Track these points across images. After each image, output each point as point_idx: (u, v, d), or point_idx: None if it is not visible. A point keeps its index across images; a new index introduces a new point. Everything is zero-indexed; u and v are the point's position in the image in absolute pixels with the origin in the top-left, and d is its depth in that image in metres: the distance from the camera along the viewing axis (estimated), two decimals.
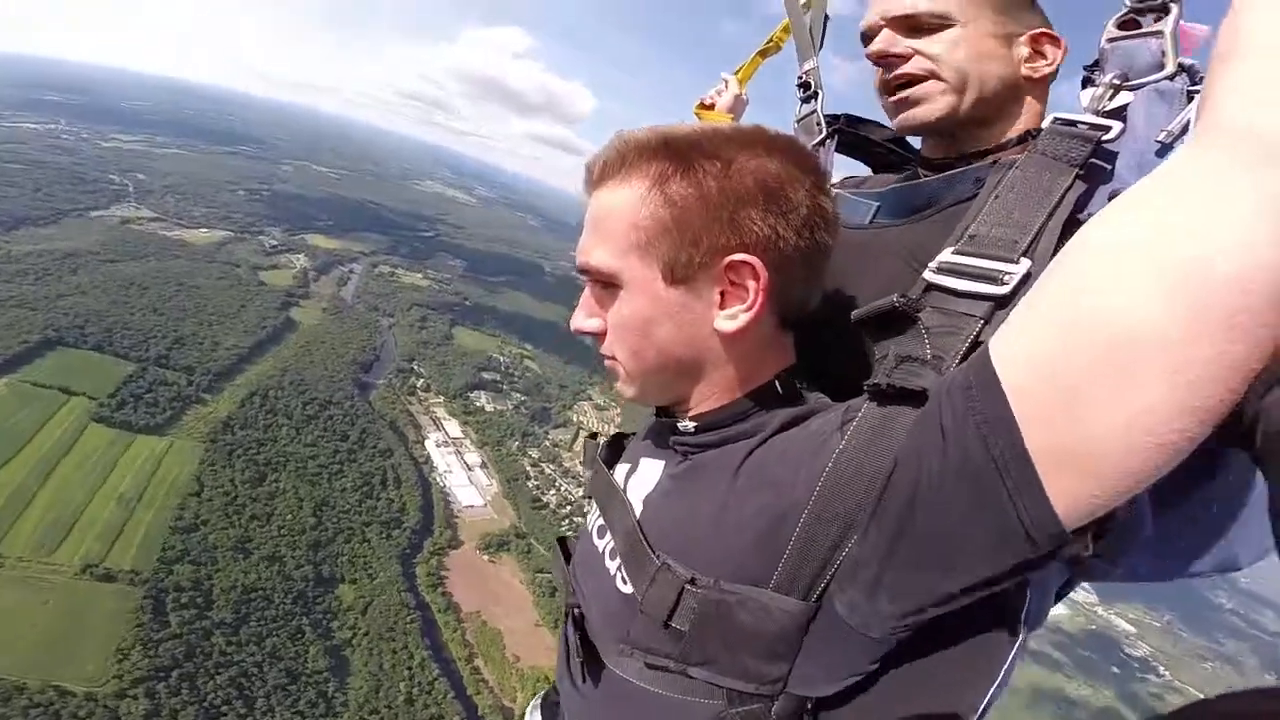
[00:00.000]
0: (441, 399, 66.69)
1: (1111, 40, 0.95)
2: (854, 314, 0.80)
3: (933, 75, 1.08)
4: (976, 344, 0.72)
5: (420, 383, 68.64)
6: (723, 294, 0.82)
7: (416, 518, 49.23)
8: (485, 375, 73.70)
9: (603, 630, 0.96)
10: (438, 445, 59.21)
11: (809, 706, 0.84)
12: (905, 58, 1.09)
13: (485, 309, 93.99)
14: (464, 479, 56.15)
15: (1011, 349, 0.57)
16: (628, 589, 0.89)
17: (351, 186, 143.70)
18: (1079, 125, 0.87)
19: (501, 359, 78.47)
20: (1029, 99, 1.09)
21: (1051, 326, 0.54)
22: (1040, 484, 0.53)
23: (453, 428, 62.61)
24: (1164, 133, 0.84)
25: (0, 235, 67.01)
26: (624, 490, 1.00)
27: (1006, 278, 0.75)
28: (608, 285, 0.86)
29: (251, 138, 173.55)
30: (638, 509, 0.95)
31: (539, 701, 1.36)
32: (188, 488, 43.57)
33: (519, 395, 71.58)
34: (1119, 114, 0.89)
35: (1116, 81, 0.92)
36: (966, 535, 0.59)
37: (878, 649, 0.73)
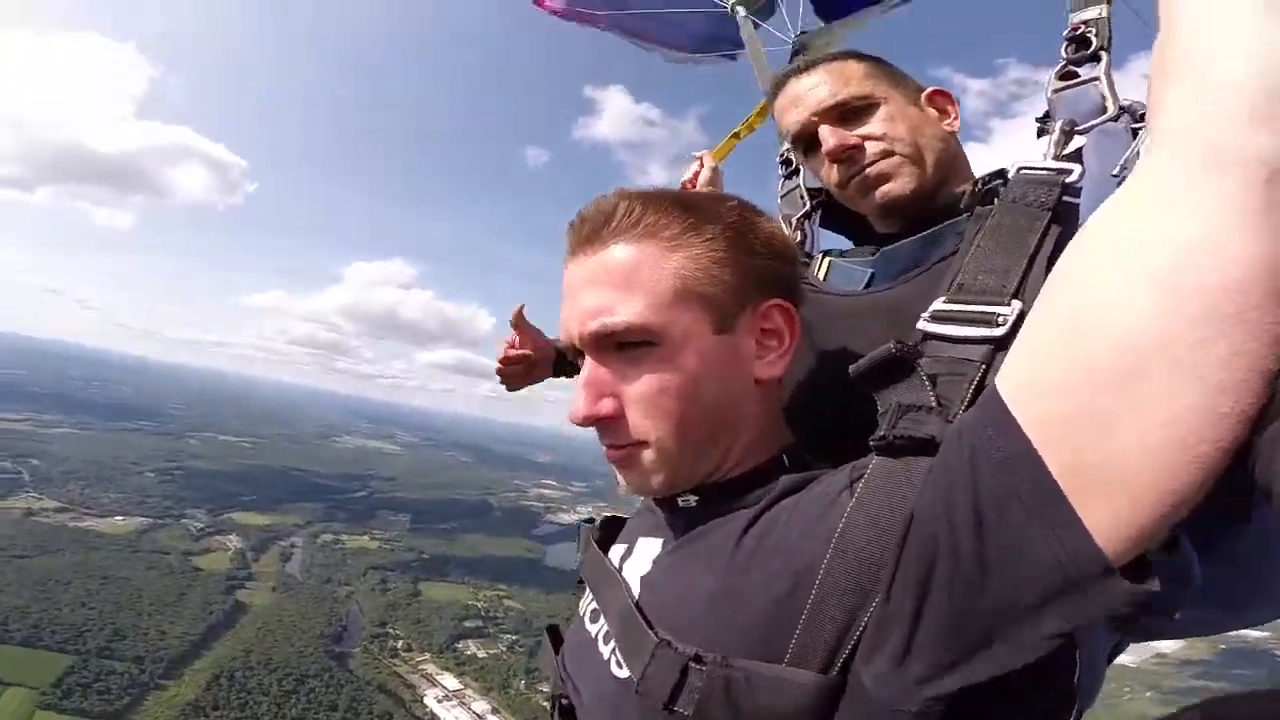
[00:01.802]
0: (428, 655, 60.86)
1: (1056, 91, 1.02)
2: (852, 368, 0.77)
3: (889, 154, 1.14)
4: (981, 387, 0.70)
5: (400, 644, 61.96)
6: (758, 342, 0.82)
7: None
8: (468, 624, 68.04)
9: (595, 712, 0.87)
10: (439, 701, 54.10)
11: None
12: (860, 147, 1.15)
13: (445, 559, 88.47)
14: None
15: (1019, 381, 0.54)
16: (623, 673, 0.79)
17: (268, 454, 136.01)
18: (1042, 171, 0.92)
19: (479, 604, 73.40)
20: (958, 153, 1.19)
21: (1055, 351, 0.51)
22: (1074, 513, 0.48)
23: (449, 681, 57.30)
24: (1118, 167, 0.87)
25: None
26: (620, 571, 0.93)
27: (1001, 319, 0.75)
28: (634, 348, 0.77)
29: (147, 408, 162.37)
30: (635, 590, 0.88)
31: None
32: None
33: (509, 635, 66.57)
34: (1076, 157, 0.95)
35: (1067, 128, 0.98)
36: (1000, 586, 0.51)
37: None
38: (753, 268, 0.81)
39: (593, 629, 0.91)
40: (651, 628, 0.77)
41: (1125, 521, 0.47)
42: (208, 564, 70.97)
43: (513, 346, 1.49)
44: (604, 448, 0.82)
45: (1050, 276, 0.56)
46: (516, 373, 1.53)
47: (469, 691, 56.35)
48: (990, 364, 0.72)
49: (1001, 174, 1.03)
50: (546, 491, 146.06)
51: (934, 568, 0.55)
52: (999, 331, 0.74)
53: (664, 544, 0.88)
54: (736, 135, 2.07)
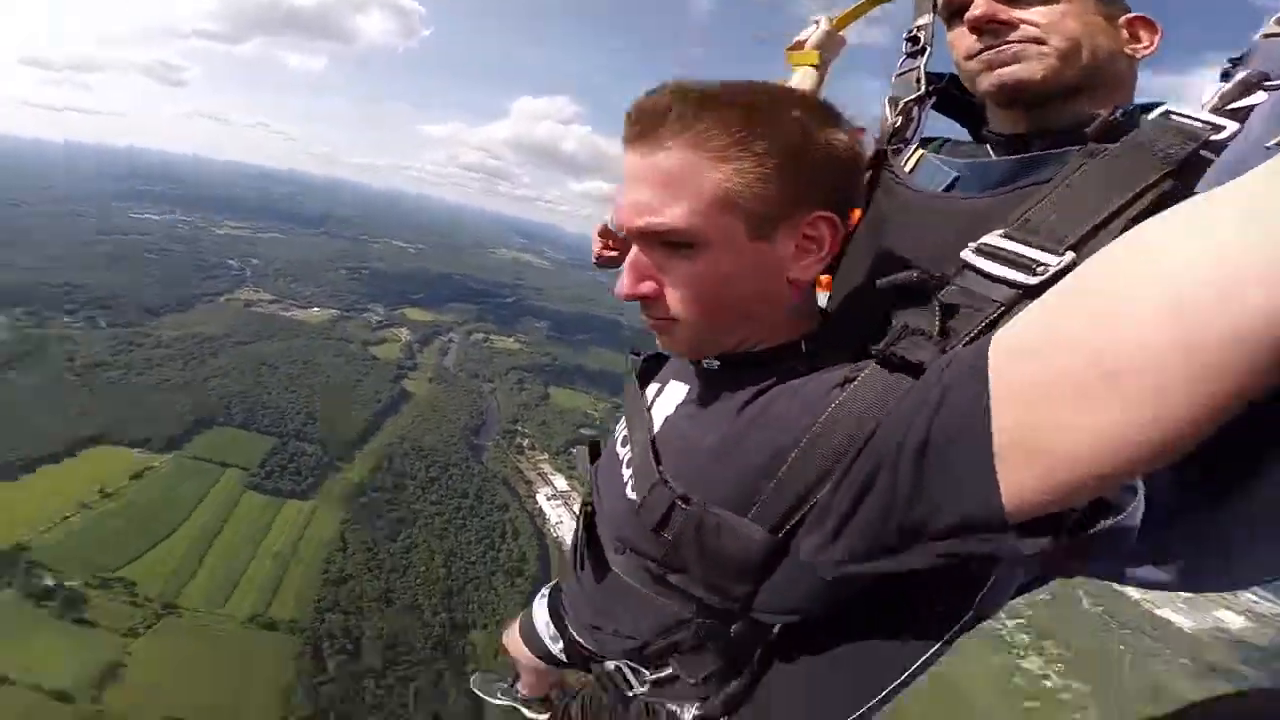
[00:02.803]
0: (546, 456, 69.49)
1: (1268, 36, 0.86)
2: (879, 281, 0.85)
3: (1039, 42, 1.05)
4: (993, 327, 0.73)
5: (525, 442, 71.51)
6: (797, 247, 0.85)
7: (536, 566, 51.08)
8: (584, 431, 76.18)
9: (607, 529, 1.12)
10: (548, 499, 61.98)
11: (765, 642, 0.96)
12: (1012, 25, 1.06)
13: (574, 368, 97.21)
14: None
15: (1011, 336, 0.58)
16: (633, 496, 0.99)
17: (434, 260, 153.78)
18: (1188, 121, 0.82)
19: (596, 414, 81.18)
20: (1124, 81, 1.08)
21: (1059, 323, 0.54)
22: (995, 474, 0.55)
23: (560, 482, 65.41)
24: (1278, 139, 0.73)
25: (149, 322, 75.38)
26: (649, 407, 1.11)
27: (1041, 269, 0.76)
28: (674, 245, 0.84)
29: (338, 219, 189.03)
30: (657, 426, 1.06)
31: (546, 593, 1.59)
32: (333, 544, 47.35)
33: None
34: (1242, 115, 0.81)
35: (1253, 79, 0.83)
36: (920, 511, 0.62)
37: (828, 594, 0.79)
38: (803, 182, 0.82)
39: (621, 453, 1.12)
40: (659, 465, 0.97)
41: (1036, 495, 0.53)
42: (382, 353, 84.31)
43: (606, 248, 1.59)
44: (643, 316, 0.94)
45: (1115, 243, 0.53)
46: (611, 261, 1.61)
47: (574, 494, 63.19)
48: (1011, 309, 0.74)
49: (1149, 108, 0.96)
50: None
51: (876, 477, 0.66)
52: (1033, 280, 0.74)
53: (687, 392, 1.05)
54: (867, 3, 1.77)
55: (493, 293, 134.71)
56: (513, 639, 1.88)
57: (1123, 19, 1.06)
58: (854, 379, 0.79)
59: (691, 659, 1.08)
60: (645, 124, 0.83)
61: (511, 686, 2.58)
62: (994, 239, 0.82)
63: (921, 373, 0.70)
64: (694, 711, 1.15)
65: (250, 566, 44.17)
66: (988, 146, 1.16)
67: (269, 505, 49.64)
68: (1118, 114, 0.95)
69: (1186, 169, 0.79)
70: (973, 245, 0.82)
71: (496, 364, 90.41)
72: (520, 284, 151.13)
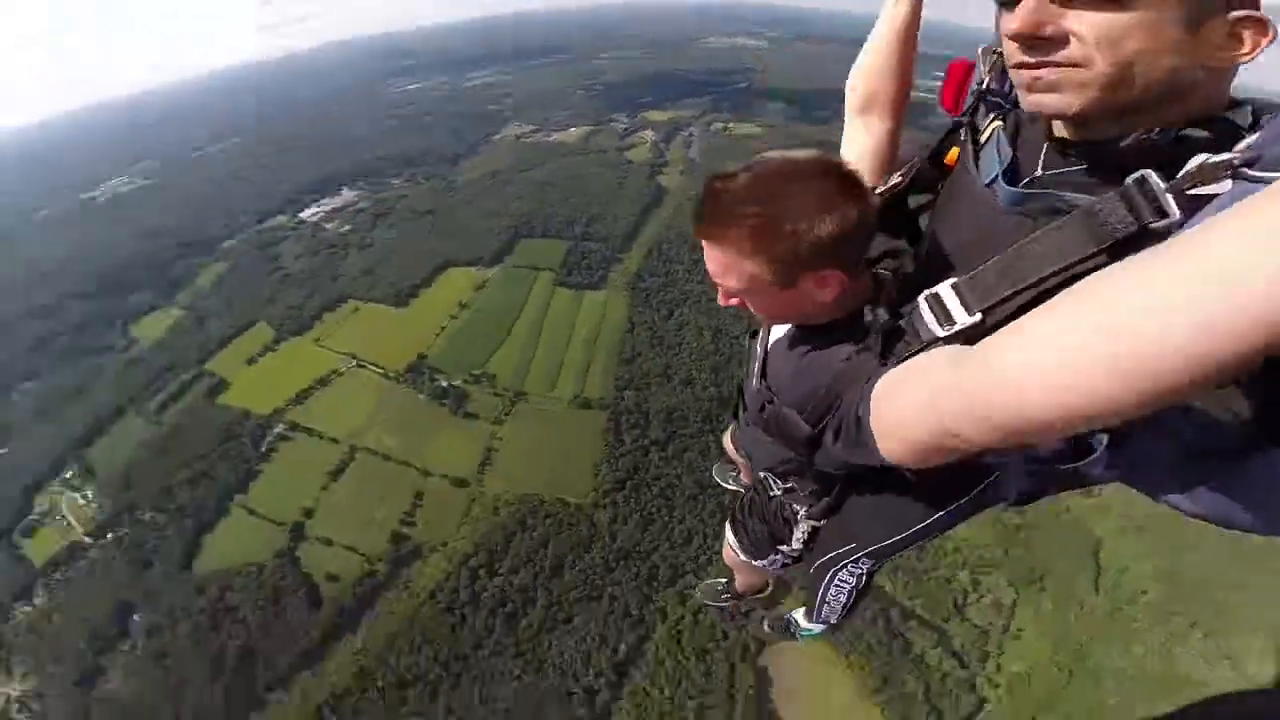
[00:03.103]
0: None
1: None
2: (888, 279, 1.51)
3: (1077, 67, 0.94)
4: (918, 353, 1.17)
5: None
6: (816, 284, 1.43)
7: None
8: None
9: (746, 396, 1.97)
10: None
11: (837, 480, 1.86)
12: (1058, 44, 0.94)
13: (824, 146, 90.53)
14: None
15: (890, 378, 1.16)
16: (754, 384, 1.82)
17: (655, 61, 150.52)
18: (1150, 198, 0.86)
19: None
20: (1199, 89, 0.95)
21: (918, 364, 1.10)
22: (872, 437, 1.14)
23: None
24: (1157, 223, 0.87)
25: (450, 171, 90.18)
26: (770, 329, 1.81)
27: (948, 326, 1.13)
28: None
29: (557, 46, 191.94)
30: (770, 342, 1.77)
31: (729, 431, 2.79)
32: (624, 327, 55.26)
33: None
34: (1201, 202, 0.84)
35: (1236, 161, 0.82)
36: (853, 443, 1.23)
37: (850, 465, 1.44)
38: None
39: (757, 350, 1.85)
40: (765, 373, 1.72)
41: (890, 453, 1.08)
42: (634, 156, 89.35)
43: None
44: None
45: (1068, 292, 0.72)
46: None
47: None
48: (928, 346, 1.16)
49: (1210, 123, 0.94)
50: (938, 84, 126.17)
51: (843, 419, 1.27)
52: (942, 333, 1.13)
53: (785, 333, 1.70)
54: None
55: (720, 82, 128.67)
56: (730, 554, 3.02)
57: (1224, 17, 0.90)
58: (850, 356, 1.38)
59: (800, 481, 2.04)
60: None
61: (738, 476, 3.81)
62: (944, 288, 1.14)
63: (883, 363, 1.26)
64: (805, 512, 2.16)
65: (568, 354, 53.61)
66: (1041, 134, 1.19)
67: (574, 298, 59.26)
68: (1154, 136, 0.94)
69: (1128, 244, 0.85)
70: (927, 293, 1.18)
71: (741, 150, 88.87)
72: (746, 68, 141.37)
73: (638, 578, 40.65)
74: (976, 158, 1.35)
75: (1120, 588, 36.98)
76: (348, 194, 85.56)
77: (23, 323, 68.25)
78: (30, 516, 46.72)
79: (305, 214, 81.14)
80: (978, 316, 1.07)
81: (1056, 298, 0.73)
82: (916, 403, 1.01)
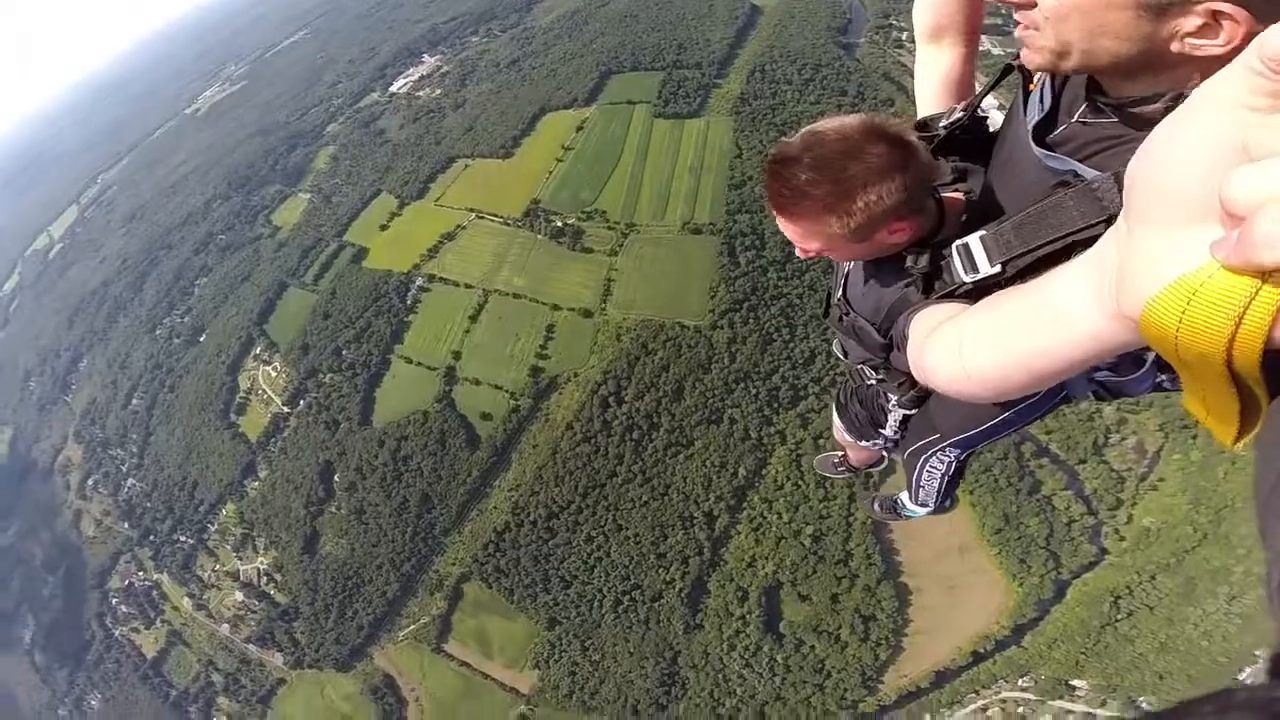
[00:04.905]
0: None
1: None
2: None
3: (1037, 31, 1.10)
4: (948, 298, 1.50)
5: (904, 35, 65.82)
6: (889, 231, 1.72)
7: None
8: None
9: (833, 303, 2.30)
10: None
11: (914, 384, 2.29)
12: (1029, 5, 1.09)
13: None
14: None
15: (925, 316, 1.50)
16: (838, 294, 2.20)
17: None
18: None
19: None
20: (1184, 69, 1.01)
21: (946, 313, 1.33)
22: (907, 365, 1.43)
23: None
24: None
25: (526, 18, 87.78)
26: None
27: (972, 274, 1.40)
28: None
29: None
30: (850, 269, 2.09)
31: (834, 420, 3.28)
32: (731, 152, 54.52)
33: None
34: None
35: None
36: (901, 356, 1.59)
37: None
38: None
39: (839, 265, 2.19)
40: (845, 287, 2.12)
41: (920, 378, 1.32)
42: None
43: None
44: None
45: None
46: None
47: None
48: (956, 290, 1.47)
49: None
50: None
51: (895, 334, 1.78)
52: (969, 280, 1.39)
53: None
54: None
55: None
56: (838, 433, 3.39)
57: (1202, 6, 0.93)
58: (904, 289, 1.70)
59: (888, 372, 2.34)
60: None
61: (842, 463, 4.07)
62: (974, 239, 1.39)
63: (925, 298, 1.60)
64: (896, 401, 2.45)
65: (673, 183, 54.45)
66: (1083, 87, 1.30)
67: (674, 127, 58.76)
68: (1168, 100, 1.03)
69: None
70: (958, 243, 1.45)
71: None
72: None
73: (757, 399, 43.19)
74: (1025, 102, 1.47)
75: None
76: (430, 60, 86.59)
77: (183, 230, 77.67)
78: (239, 396, 56.08)
79: (395, 87, 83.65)
80: (998, 268, 1.31)
81: (977, 305, 1.14)
82: (913, 354, 1.36)
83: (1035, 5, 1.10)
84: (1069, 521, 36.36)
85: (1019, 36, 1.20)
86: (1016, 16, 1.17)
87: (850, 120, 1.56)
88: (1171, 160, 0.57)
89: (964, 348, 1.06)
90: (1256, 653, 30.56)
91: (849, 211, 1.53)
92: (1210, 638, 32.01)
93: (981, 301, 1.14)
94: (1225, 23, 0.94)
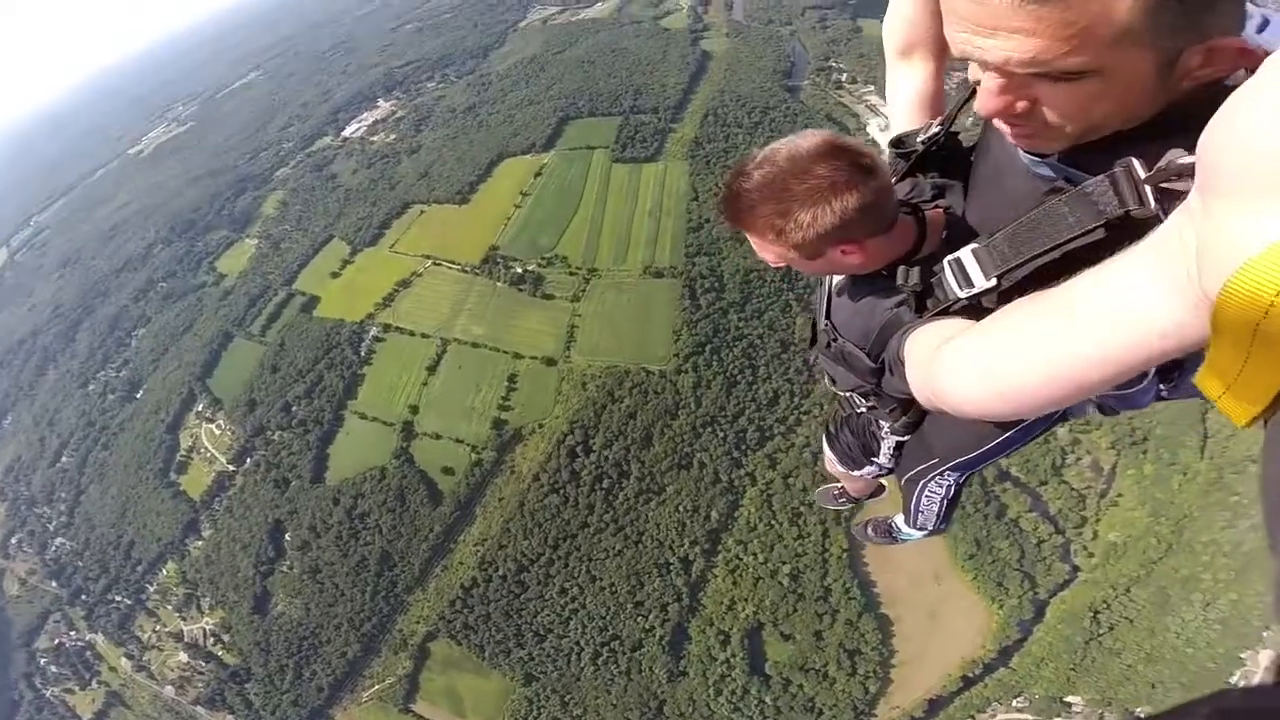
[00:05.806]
0: (871, 88, 65.58)
1: None
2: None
3: (1057, 128, 1.05)
4: (943, 314, 1.45)
5: (844, 77, 68.81)
6: (843, 253, 1.71)
7: None
8: None
9: (818, 329, 2.18)
10: (880, 130, 60.73)
11: (910, 402, 2.08)
12: (1030, 111, 1.04)
13: None
14: None
15: (921, 335, 1.43)
16: (823, 322, 2.10)
17: None
18: (1132, 187, 1.00)
19: None
20: (1174, 103, 1.01)
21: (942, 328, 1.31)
22: (907, 379, 1.38)
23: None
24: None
25: (482, 64, 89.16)
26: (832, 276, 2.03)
27: (967, 289, 1.35)
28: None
29: None
30: (833, 285, 2.03)
31: (825, 453, 3.21)
32: (689, 195, 55.66)
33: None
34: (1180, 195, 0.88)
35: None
36: (895, 379, 1.58)
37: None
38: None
39: (825, 287, 2.11)
40: (830, 312, 2.03)
41: (922, 401, 1.31)
42: (671, 24, 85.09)
43: None
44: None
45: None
46: None
47: None
48: (951, 306, 1.42)
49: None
50: None
51: (888, 356, 1.67)
52: (963, 295, 1.34)
53: (841, 279, 1.95)
54: None
55: None
56: (830, 465, 3.32)
57: (1201, 46, 0.92)
58: (896, 307, 1.66)
59: (878, 400, 2.26)
60: None
61: (841, 494, 3.97)
62: (965, 253, 1.36)
63: (918, 315, 1.57)
64: (889, 428, 2.39)
65: (633, 227, 55.10)
66: None
67: (632, 172, 59.83)
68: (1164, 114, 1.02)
69: (1117, 225, 0.98)
70: (949, 258, 1.41)
71: (789, 6, 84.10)
72: None
73: (725, 442, 43.51)
74: None
75: (1228, 452, 36.10)
76: (385, 105, 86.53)
77: (120, 276, 74.67)
78: (179, 454, 53.54)
79: (348, 131, 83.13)
80: (993, 281, 1.27)
81: (993, 321, 1.07)
82: (914, 376, 1.35)
83: (1041, 108, 1.03)
84: (1038, 542, 37.52)
85: (1018, 131, 1.14)
86: (1016, 125, 1.12)
87: (809, 138, 1.56)
88: (1258, 126, 0.55)
89: (994, 366, 1.02)
90: (1242, 656, 31.48)
91: (788, 230, 1.55)
92: (1194, 644, 33.01)
93: (996, 316, 1.08)
94: (1220, 60, 0.95)
